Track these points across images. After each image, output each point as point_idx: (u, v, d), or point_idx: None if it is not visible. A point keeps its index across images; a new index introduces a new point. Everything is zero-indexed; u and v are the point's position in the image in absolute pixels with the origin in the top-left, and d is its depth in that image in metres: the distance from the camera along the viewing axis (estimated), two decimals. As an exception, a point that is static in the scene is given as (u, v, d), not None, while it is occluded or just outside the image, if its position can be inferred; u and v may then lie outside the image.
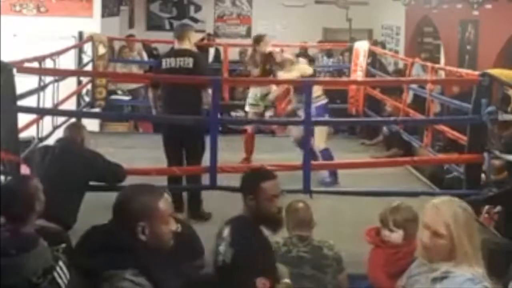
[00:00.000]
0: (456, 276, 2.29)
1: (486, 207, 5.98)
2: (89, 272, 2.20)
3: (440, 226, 2.34)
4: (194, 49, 6.09)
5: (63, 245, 3.18)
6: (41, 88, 6.15)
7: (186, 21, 14.01)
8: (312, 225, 3.96)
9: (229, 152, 6.54)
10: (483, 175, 5.65)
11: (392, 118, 7.88)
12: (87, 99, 8.85)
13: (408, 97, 8.06)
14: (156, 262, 2.31)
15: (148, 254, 2.27)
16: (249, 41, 13.51)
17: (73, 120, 6.56)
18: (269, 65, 7.18)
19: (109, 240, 2.22)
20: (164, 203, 2.40)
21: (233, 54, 11.81)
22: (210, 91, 5.36)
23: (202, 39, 13.24)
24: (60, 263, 2.95)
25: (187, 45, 5.80)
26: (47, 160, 4.50)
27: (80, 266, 2.31)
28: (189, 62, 5.63)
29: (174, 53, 5.80)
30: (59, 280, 2.87)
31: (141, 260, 2.21)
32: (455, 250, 2.31)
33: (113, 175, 4.72)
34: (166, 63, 5.69)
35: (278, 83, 7.49)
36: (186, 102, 5.52)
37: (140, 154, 7.21)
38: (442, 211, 2.38)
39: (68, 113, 6.79)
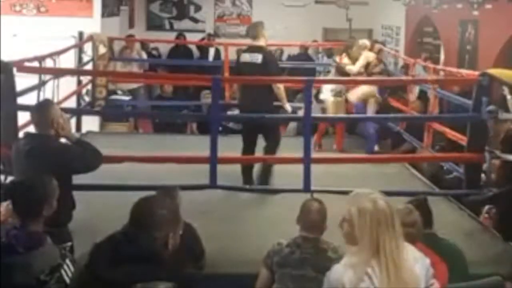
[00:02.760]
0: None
1: (486, 207, 5.98)
2: (114, 284, 2.17)
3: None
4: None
5: (70, 243, 3.19)
6: (42, 83, 6.16)
7: (186, 21, 14.02)
8: (323, 228, 3.91)
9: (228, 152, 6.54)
10: (483, 175, 5.66)
11: (392, 116, 7.89)
12: (87, 99, 8.85)
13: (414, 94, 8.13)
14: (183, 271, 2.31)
15: (177, 263, 2.27)
16: (249, 41, 13.58)
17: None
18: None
19: (136, 251, 2.19)
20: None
21: (232, 54, 11.81)
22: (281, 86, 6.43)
23: (202, 39, 13.26)
24: (67, 261, 2.97)
25: (261, 42, 6.53)
26: (22, 160, 4.11)
27: (105, 277, 2.26)
28: (258, 57, 6.30)
29: (249, 49, 6.53)
30: (66, 278, 2.89)
31: (172, 271, 2.19)
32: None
33: (87, 162, 4.20)
34: (242, 57, 6.51)
35: (279, 82, 7.51)
36: (259, 95, 6.12)
37: (140, 154, 7.20)
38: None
39: (68, 112, 6.78)
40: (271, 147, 6.29)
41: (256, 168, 6.23)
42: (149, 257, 2.19)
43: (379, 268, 2.48)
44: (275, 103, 6.56)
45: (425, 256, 2.65)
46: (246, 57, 6.42)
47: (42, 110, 4.20)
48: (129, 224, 2.49)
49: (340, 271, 2.59)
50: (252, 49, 6.47)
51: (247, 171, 6.13)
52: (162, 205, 2.53)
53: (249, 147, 6.29)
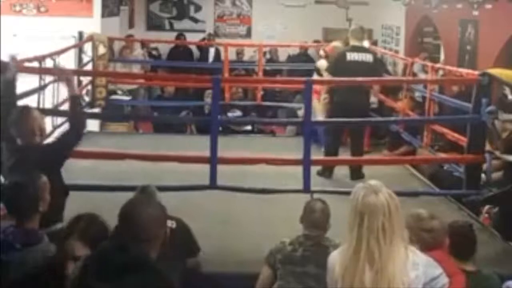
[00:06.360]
0: None
1: (486, 207, 5.98)
2: None
3: None
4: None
5: None
6: (41, 87, 6.16)
7: (186, 21, 14.01)
8: (326, 227, 3.93)
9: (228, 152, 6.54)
10: (483, 175, 5.66)
11: (392, 118, 7.89)
12: (87, 99, 8.85)
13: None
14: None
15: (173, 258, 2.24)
16: (249, 41, 13.61)
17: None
18: None
19: (128, 260, 2.17)
20: None
21: (232, 54, 11.81)
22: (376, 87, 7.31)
23: (203, 39, 13.26)
24: None
25: (366, 44, 7.14)
26: (5, 172, 3.93)
27: None
28: (370, 57, 6.78)
29: (356, 49, 6.81)
30: None
31: (167, 277, 2.18)
32: None
33: (70, 143, 4.12)
34: (350, 56, 6.74)
35: (278, 83, 7.52)
36: (362, 94, 6.68)
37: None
38: None
39: (68, 113, 6.77)
40: (358, 148, 6.85)
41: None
42: (141, 267, 2.16)
43: (360, 263, 2.48)
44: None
45: (435, 266, 2.58)
46: (354, 56, 6.71)
47: (21, 120, 3.96)
48: (119, 232, 2.45)
49: (333, 257, 2.67)
50: (358, 49, 6.81)
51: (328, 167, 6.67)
52: (150, 208, 2.49)
53: (335, 146, 6.82)
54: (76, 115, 4.16)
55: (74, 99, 4.24)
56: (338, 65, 6.81)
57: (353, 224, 2.53)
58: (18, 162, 3.81)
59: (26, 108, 4.32)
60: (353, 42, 6.93)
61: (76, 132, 4.11)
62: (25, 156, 3.83)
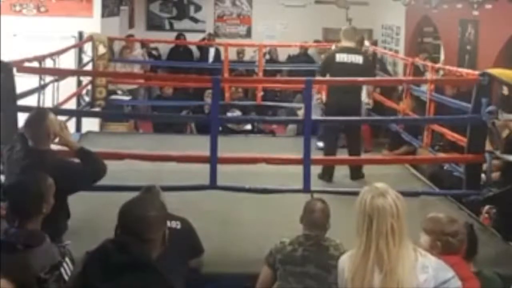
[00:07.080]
0: None
1: (486, 207, 5.97)
2: None
3: None
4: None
5: (69, 242, 3.19)
6: (41, 87, 6.16)
7: (186, 21, 14.02)
8: (326, 227, 3.94)
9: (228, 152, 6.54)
10: (483, 175, 5.65)
11: (392, 118, 7.88)
12: (87, 99, 8.86)
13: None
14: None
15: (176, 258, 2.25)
16: (249, 41, 13.61)
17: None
18: None
19: (128, 260, 2.17)
20: None
21: (232, 54, 11.81)
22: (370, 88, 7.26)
23: (203, 39, 13.26)
24: (67, 259, 2.98)
25: (355, 44, 6.91)
26: (16, 172, 3.81)
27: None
28: (359, 59, 6.62)
29: (345, 50, 6.69)
30: (66, 276, 2.90)
31: (167, 277, 2.18)
32: None
33: (88, 179, 4.04)
34: (339, 57, 6.62)
35: (278, 83, 7.49)
36: (352, 94, 6.55)
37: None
38: None
39: (68, 113, 6.78)
40: (355, 148, 6.74)
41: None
42: (141, 266, 2.16)
43: (369, 265, 2.49)
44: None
45: (446, 269, 2.57)
46: (343, 57, 6.60)
47: (37, 123, 3.82)
48: (119, 231, 2.46)
49: (343, 260, 2.68)
50: (348, 50, 6.69)
51: (328, 171, 6.53)
52: (151, 207, 2.50)
53: (332, 147, 6.70)
54: (87, 162, 3.97)
55: (79, 153, 4.01)
56: (327, 66, 6.76)
57: (361, 227, 2.54)
58: (32, 165, 3.66)
59: (44, 111, 4.17)
60: (344, 43, 6.84)
61: (94, 173, 4.02)
62: (41, 161, 3.70)
